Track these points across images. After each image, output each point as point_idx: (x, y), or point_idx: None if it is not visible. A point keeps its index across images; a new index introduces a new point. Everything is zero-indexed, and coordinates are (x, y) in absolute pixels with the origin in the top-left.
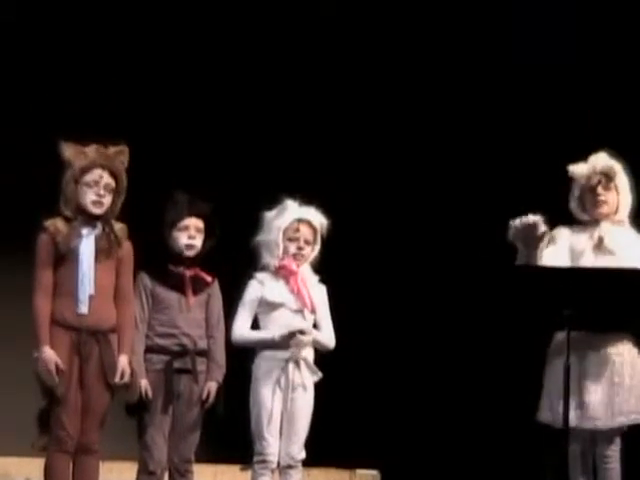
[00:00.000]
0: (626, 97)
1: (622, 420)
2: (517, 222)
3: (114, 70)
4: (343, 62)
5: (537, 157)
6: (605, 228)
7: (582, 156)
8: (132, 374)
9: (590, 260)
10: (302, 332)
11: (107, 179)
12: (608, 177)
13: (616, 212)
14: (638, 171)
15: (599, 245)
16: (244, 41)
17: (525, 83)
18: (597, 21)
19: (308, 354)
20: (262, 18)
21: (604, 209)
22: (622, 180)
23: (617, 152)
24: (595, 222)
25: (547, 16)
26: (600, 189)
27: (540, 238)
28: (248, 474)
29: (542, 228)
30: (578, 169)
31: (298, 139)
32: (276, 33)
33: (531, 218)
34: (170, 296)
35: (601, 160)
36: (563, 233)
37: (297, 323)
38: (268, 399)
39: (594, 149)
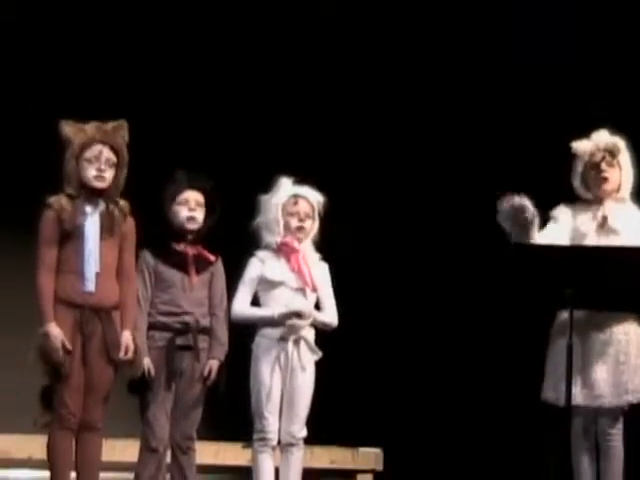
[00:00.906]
0: (626, 97)
1: (628, 399)
2: (504, 204)
3: (114, 48)
4: (342, 59)
5: (537, 157)
6: (608, 207)
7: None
8: (136, 350)
9: (594, 240)
10: (299, 315)
11: (107, 154)
12: (612, 154)
13: (619, 190)
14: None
15: (603, 225)
16: (244, 34)
17: (525, 83)
18: (597, 21)
19: (308, 333)
20: (262, 14)
21: (607, 186)
22: (625, 157)
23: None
24: (598, 200)
25: (547, 16)
26: (604, 165)
27: (528, 221)
28: (250, 452)
29: (530, 211)
30: (581, 145)
31: (300, 121)
32: (276, 29)
33: (517, 200)
34: (173, 275)
35: (604, 137)
36: (565, 212)
37: (298, 303)
38: (267, 377)
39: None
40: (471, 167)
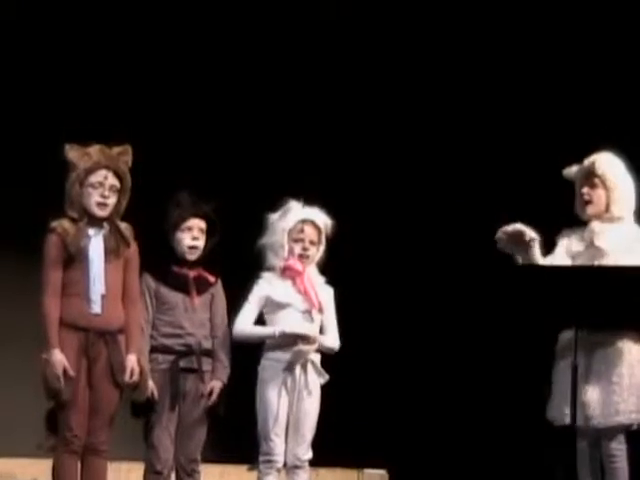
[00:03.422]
0: (626, 97)
1: (620, 420)
2: (502, 232)
3: (117, 70)
4: (344, 64)
5: (538, 158)
6: (595, 228)
7: (582, 157)
8: (141, 373)
9: (582, 261)
10: (303, 339)
11: (112, 180)
12: (593, 175)
13: (607, 209)
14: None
15: (590, 246)
16: (247, 44)
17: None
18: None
19: (315, 356)
20: (264, 21)
21: (590, 209)
22: (612, 177)
23: (619, 151)
24: (587, 222)
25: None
26: (585, 188)
27: (529, 243)
28: (255, 474)
29: (529, 234)
30: (569, 171)
31: (302, 140)
32: (278, 37)
33: (517, 226)
34: (174, 297)
35: (589, 159)
36: (562, 237)
37: (304, 327)
38: (274, 401)
39: (595, 149)
40: (475, 183)
